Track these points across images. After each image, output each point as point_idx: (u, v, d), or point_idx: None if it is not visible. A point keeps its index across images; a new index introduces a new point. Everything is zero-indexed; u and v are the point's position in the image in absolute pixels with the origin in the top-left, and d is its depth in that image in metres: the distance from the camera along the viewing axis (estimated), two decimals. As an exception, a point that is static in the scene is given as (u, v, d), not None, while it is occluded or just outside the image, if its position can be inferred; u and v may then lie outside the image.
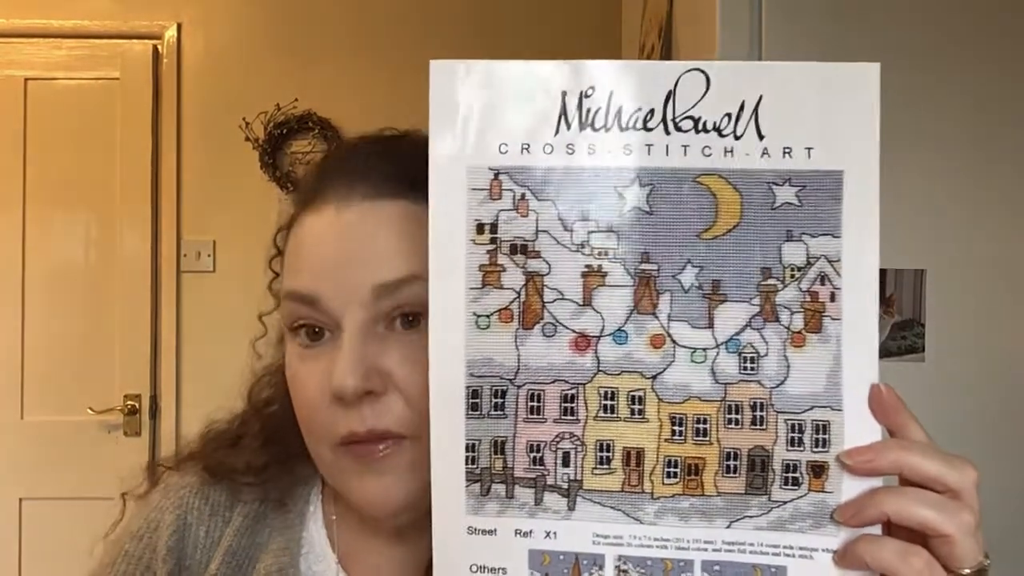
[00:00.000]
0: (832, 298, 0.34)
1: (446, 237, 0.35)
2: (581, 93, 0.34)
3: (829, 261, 0.34)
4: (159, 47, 2.02)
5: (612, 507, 0.35)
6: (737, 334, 0.34)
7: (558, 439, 0.35)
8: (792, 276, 0.34)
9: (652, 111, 0.34)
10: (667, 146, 0.34)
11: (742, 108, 0.34)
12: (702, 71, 0.34)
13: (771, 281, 0.34)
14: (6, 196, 1.98)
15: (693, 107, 0.34)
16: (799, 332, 0.34)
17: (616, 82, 0.34)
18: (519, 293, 0.35)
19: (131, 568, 0.48)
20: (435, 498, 0.36)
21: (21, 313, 1.99)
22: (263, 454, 0.50)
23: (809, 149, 0.34)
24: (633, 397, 0.35)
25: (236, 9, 2.03)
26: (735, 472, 0.34)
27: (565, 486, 0.35)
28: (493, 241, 0.35)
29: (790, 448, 0.34)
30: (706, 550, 0.35)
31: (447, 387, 0.35)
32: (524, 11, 2.03)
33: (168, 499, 0.49)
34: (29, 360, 1.98)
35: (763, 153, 0.34)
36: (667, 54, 1.24)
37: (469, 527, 0.35)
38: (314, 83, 2.00)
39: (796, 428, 0.34)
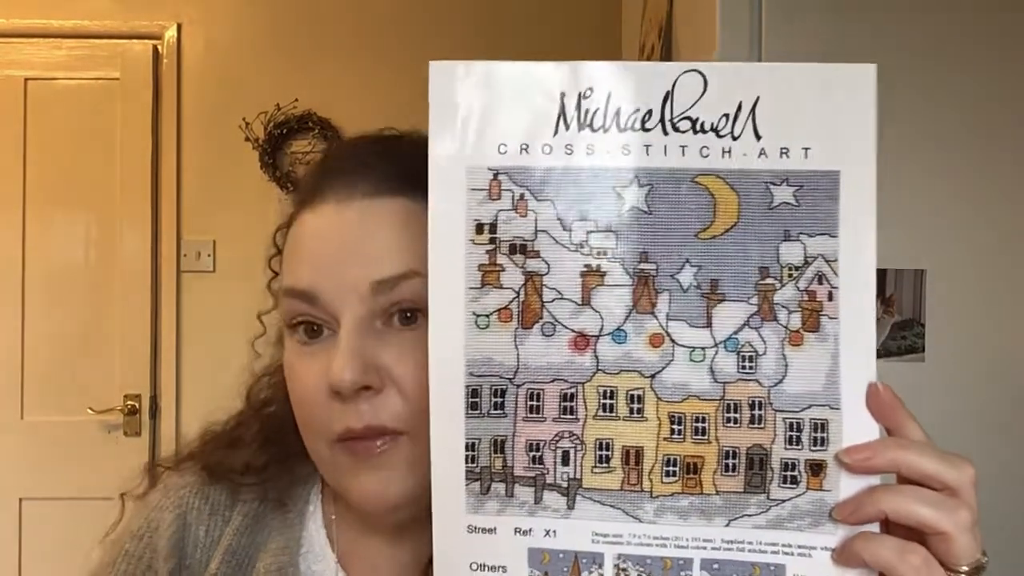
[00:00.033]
0: (830, 297, 0.34)
1: (445, 237, 0.35)
2: (579, 94, 0.34)
3: (827, 260, 0.34)
4: (159, 47, 2.02)
5: (611, 506, 0.35)
6: (735, 333, 0.34)
7: (557, 438, 0.35)
8: (790, 275, 0.34)
9: (650, 112, 0.34)
10: (665, 146, 0.34)
11: (739, 109, 0.34)
12: (700, 72, 0.34)
13: (769, 280, 0.34)
14: (6, 196, 1.98)
15: (691, 108, 0.34)
16: (797, 331, 0.34)
17: (614, 83, 0.34)
18: (518, 293, 0.35)
19: (132, 567, 0.48)
20: (435, 497, 0.36)
21: (21, 313, 1.99)
22: (262, 454, 0.50)
23: (806, 149, 0.34)
24: (632, 396, 0.35)
25: (236, 9, 2.04)
26: (734, 471, 0.34)
27: (564, 485, 0.35)
28: (492, 241, 0.35)
29: (788, 447, 0.34)
30: (705, 548, 0.35)
31: (447, 386, 0.35)
32: (524, 11, 2.03)
33: (168, 499, 0.50)
34: (29, 360, 1.98)
35: (760, 153, 0.34)
36: (667, 54, 1.24)
37: (469, 526, 0.36)
38: (314, 83, 2.00)
39: (794, 427, 0.34)
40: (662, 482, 0.35)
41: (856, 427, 0.34)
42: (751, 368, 0.34)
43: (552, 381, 0.35)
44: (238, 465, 0.50)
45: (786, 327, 0.34)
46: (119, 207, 2.00)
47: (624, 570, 0.35)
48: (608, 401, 0.35)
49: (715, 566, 0.35)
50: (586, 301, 0.35)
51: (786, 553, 0.34)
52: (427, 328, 0.39)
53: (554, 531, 0.35)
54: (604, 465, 0.35)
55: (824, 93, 0.34)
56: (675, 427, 0.35)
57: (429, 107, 0.35)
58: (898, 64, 0.94)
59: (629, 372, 0.35)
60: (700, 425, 0.35)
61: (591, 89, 0.34)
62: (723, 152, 0.34)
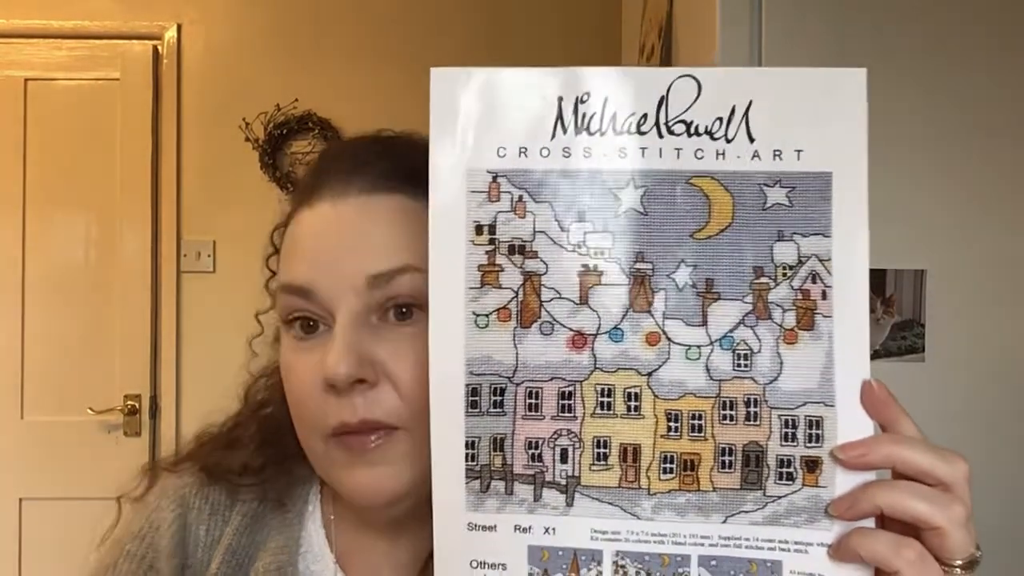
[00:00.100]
0: (824, 296, 0.35)
1: (446, 238, 0.36)
2: (576, 99, 0.35)
3: (820, 260, 0.35)
4: (159, 47, 2.03)
5: (609, 503, 0.35)
6: (731, 331, 0.35)
7: (556, 436, 0.36)
8: (784, 275, 0.35)
9: (645, 116, 0.35)
10: (660, 149, 0.35)
11: (733, 112, 0.35)
12: (694, 77, 0.35)
13: (763, 279, 0.35)
14: (6, 196, 1.98)
15: (685, 111, 0.35)
16: (791, 329, 0.35)
17: (610, 88, 0.35)
18: (517, 292, 0.36)
19: (133, 567, 0.48)
20: (435, 494, 0.36)
21: (21, 313, 1.99)
22: (259, 455, 0.50)
23: (799, 151, 0.35)
24: (629, 394, 0.35)
25: (236, 9, 2.04)
26: (730, 467, 0.35)
27: (563, 482, 0.36)
28: (492, 242, 0.36)
29: (784, 443, 0.35)
30: (702, 545, 0.35)
31: (447, 385, 0.36)
32: (524, 11, 2.03)
33: (167, 499, 0.50)
34: (29, 360, 1.98)
35: (754, 155, 0.35)
36: (667, 54, 1.24)
37: (469, 523, 0.36)
38: (314, 83, 2.00)
39: (789, 424, 0.35)
40: (659, 479, 0.35)
41: (851, 424, 0.34)
42: (746, 366, 0.35)
43: (550, 379, 0.35)
44: (236, 466, 0.50)
45: (781, 325, 0.35)
46: (119, 207, 2.00)
47: (623, 567, 0.35)
48: (606, 399, 0.35)
49: (712, 562, 0.35)
50: (584, 300, 0.35)
51: (783, 549, 0.35)
52: (423, 324, 0.40)
53: (553, 528, 0.36)
54: (602, 463, 0.35)
55: (816, 97, 0.35)
56: (672, 424, 0.35)
57: (430, 112, 0.36)
58: (898, 64, 0.94)
59: (626, 370, 0.35)
60: (696, 422, 0.35)
61: (588, 94, 0.35)
62: (717, 154, 0.35)
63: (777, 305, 0.35)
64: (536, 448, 0.36)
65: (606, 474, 0.35)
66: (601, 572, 0.35)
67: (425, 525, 0.37)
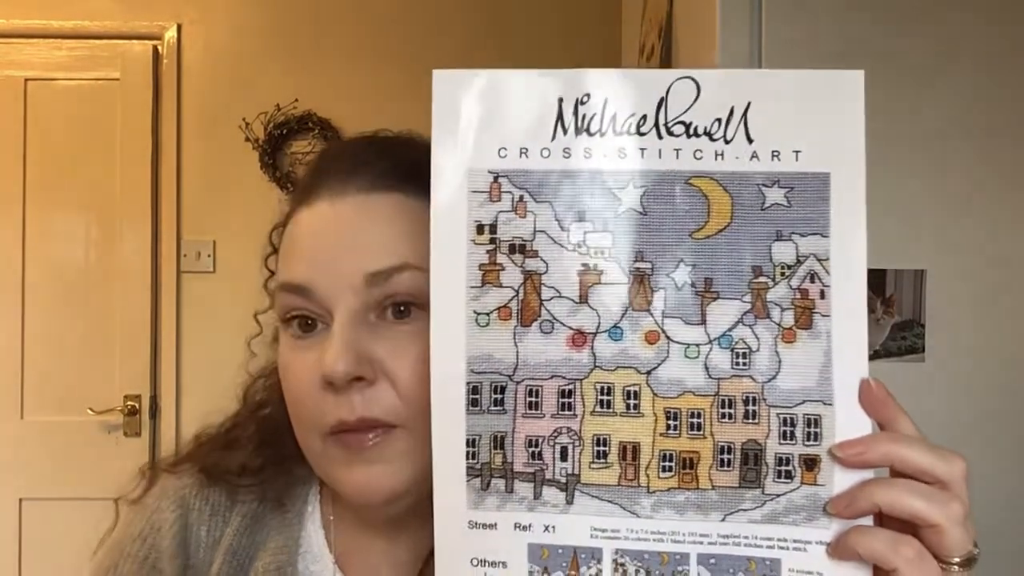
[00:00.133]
0: (822, 295, 0.35)
1: (447, 237, 0.36)
2: (577, 100, 0.35)
3: (818, 259, 0.35)
4: (159, 47, 2.03)
5: (609, 501, 0.36)
6: (729, 330, 0.35)
7: (556, 434, 0.36)
8: (782, 274, 0.35)
9: (645, 117, 0.35)
10: (660, 150, 0.35)
11: (731, 113, 0.35)
12: (693, 79, 0.35)
13: (762, 279, 0.35)
14: (6, 196, 1.99)
15: (684, 113, 0.35)
16: (790, 328, 0.35)
17: (610, 89, 0.35)
18: (518, 291, 0.36)
19: (135, 568, 0.48)
20: (436, 492, 0.36)
21: (21, 313, 1.99)
22: (258, 455, 0.50)
23: (797, 152, 0.35)
24: (629, 392, 0.35)
25: (236, 9, 2.04)
26: (729, 466, 0.35)
27: (563, 480, 0.36)
28: (492, 241, 0.36)
29: (782, 442, 0.35)
30: (702, 543, 0.35)
31: (448, 383, 0.36)
32: (524, 11, 2.04)
33: (168, 500, 0.50)
34: (29, 360, 1.98)
35: (752, 156, 0.35)
36: (667, 54, 1.25)
37: (470, 521, 0.36)
38: (314, 83, 2.01)
39: (788, 422, 0.35)
40: (659, 477, 0.35)
41: (849, 422, 0.35)
42: (745, 364, 0.35)
43: (551, 378, 0.36)
44: (235, 467, 0.50)
45: (779, 324, 0.35)
46: (119, 207, 2.00)
47: (622, 565, 0.35)
48: (605, 397, 0.35)
49: (712, 560, 0.35)
50: (584, 299, 0.36)
51: (781, 547, 0.35)
52: (421, 322, 0.40)
53: (553, 527, 0.36)
54: (602, 461, 0.36)
55: (814, 98, 0.35)
56: (671, 423, 0.35)
57: (432, 113, 0.36)
58: (898, 64, 0.94)
59: (626, 368, 0.35)
60: (695, 421, 0.35)
61: (588, 95, 0.35)
62: (716, 155, 0.35)
63: (776, 304, 0.35)
64: (536, 446, 0.36)
65: (606, 472, 0.36)
66: (601, 570, 0.36)
67: (424, 524, 0.37)
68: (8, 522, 1.96)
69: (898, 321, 0.95)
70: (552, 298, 0.36)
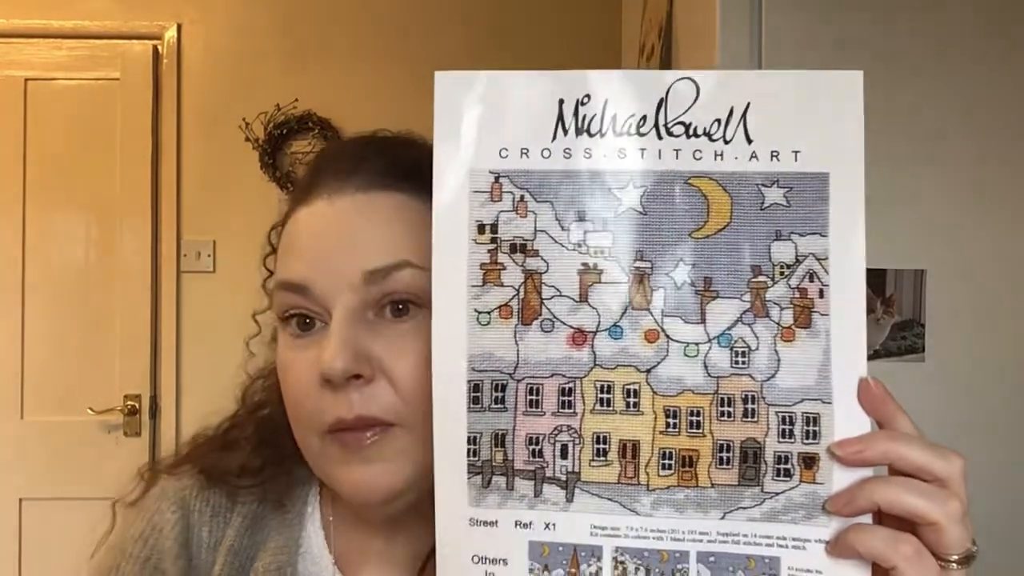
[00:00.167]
0: (821, 294, 0.35)
1: (449, 237, 0.36)
2: (577, 101, 0.36)
3: (817, 259, 0.35)
4: (159, 47, 2.03)
5: (609, 499, 0.36)
6: (728, 329, 0.35)
7: (556, 432, 0.36)
8: (782, 273, 0.35)
9: (645, 117, 0.36)
10: (660, 150, 0.36)
11: (731, 114, 0.35)
12: (692, 80, 0.35)
13: (761, 278, 0.35)
14: (6, 196, 1.99)
15: (684, 113, 0.35)
16: (789, 327, 0.35)
17: (610, 90, 0.36)
18: (518, 290, 0.36)
19: (137, 569, 0.48)
20: (438, 490, 0.36)
21: (21, 313, 1.99)
22: (258, 456, 0.50)
23: (796, 152, 0.35)
24: (628, 390, 0.36)
25: (236, 9, 2.04)
26: (728, 464, 0.35)
27: (563, 478, 0.36)
28: (494, 241, 0.36)
29: (781, 440, 0.35)
30: (701, 541, 0.35)
31: (450, 381, 0.36)
32: (524, 11, 2.04)
33: (168, 502, 0.50)
34: (29, 360, 1.98)
35: (752, 156, 0.35)
36: (667, 54, 1.25)
37: (471, 519, 0.36)
38: (314, 83, 2.01)
39: (787, 420, 0.35)
40: (658, 475, 0.36)
41: (847, 421, 0.35)
42: (744, 363, 0.35)
43: (551, 376, 0.36)
44: (235, 467, 0.50)
45: (778, 323, 0.35)
46: (119, 207, 2.00)
47: (622, 563, 0.36)
48: (605, 395, 0.36)
49: (711, 559, 0.35)
50: (584, 298, 0.36)
51: (781, 545, 0.35)
52: (419, 320, 0.40)
53: (553, 524, 0.36)
54: (602, 458, 0.36)
55: (813, 99, 0.35)
56: (670, 421, 0.35)
57: (434, 114, 0.36)
58: (898, 64, 0.94)
59: (625, 367, 0.36)
60: (695, 419, 0.35)
61: (588, 96, 0.36)
62: (715, 155, 0.35)
63: (775, 303, 0.35)
64: (537, 444, 0.36)
65: (606, 470, 0.36)
66: (601, 568, 0.36)
67: (423, 523, 0.37)
68: (8, 522, 1.96)
69: (898, 321, 0.95)
70: (553, 297, 0.36)
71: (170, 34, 2.02)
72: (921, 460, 0.33)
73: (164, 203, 2.02)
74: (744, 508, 0.35)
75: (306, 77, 2.01)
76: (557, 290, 0.36)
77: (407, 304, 0.42)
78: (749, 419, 0.35)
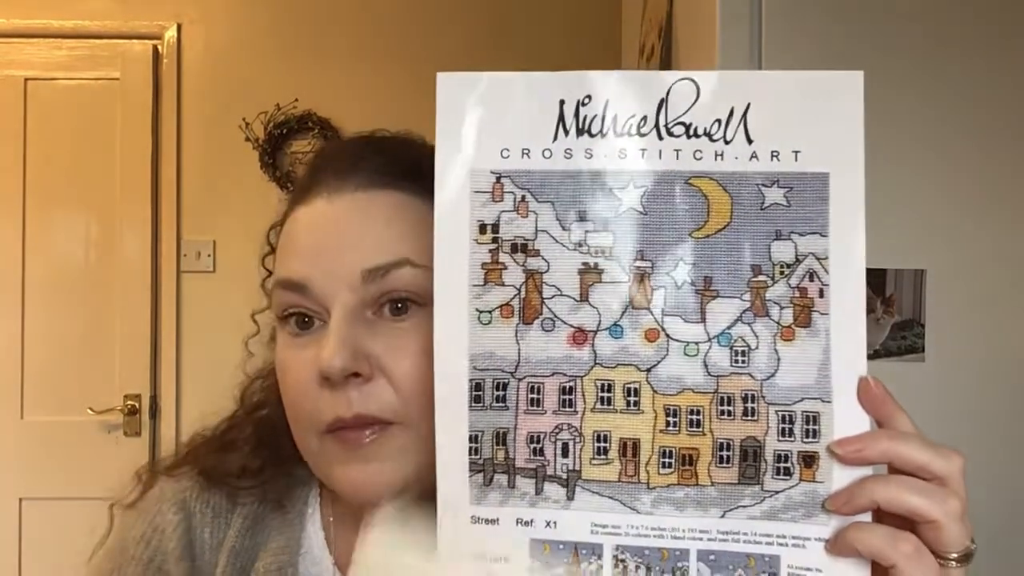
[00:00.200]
0: (821, 294, 0.35)
1: (450, 237, 0.36)
2: (578, 101, 0.36)
3: (817, 259, 0.35)
4: (159, 47, 2.03)
5: (609, 497, 0.36)
6: (728, 328, 0.35)
7: (557, 430, 0.36)
8: (782, 273, 0.35)
9: (645, 118, 0.36)
10: (660, 151, 0.36)
11: (731, 114, 0.35)
12: (692, 80, 0.36)
13: (761, 278, 0.35)
14: (6, 196, 1.99)
15: (684, 114, 0.36)
16: (789, 326, 0.35)
17: (611, 91, 0.36)
18: (519, 290, 0.36)
19: (140, 570, 0.48)
20: (439, 488, 0.37)
21: (21, 313, 1.99)
22: (257, 457, 0.50)
23: (796, 152, 0.35)
24: (629, 389, 0.36)
25: (236, 9, 2.04)
26: (728, 462, 0.35)
27: (564, 476, 0.36)
28: (495, 240, 0.36)
29: (781, 439, 0.35)
30: (701, 539, 0.36)
31: (451, 380, 0.36)
32: (524, 11, 2.04)
33: (168, 504, 0.49)
34: (29, 360, 1.98)
35: (752, 156, 0.35)
36: (667, 54, 1.25)
37: (472, 516, 0.36)
38: (314, 83, 2.01)
39: (787, 419, 0.35)
40: (659, 474, 0.36)
41: (847, 419, 0.35)
42: (744, 362, 0.35)
43: (552, 375, 0.36)
44: (234, 469, 0.50)
45: (778, 323, 0.35)
46: (119, 207, 2.00)
47: (622, 561, 0.36)
48: (606, 394, 0.36)
49: (711, 557, 0.35)
50: (584, 298, 0.36)
51: (780, 544, 0.35)
52: (418, 319, 0.41)
53: (554, 522, 0.36)
54: (602, 457, 0.36)
55: (813, 99, 0.35)
56: (670, 419, 0.36)
57: (436, 115, 0.36)
58: (897, 64, 0.94)
59: (626, 366, 0.36)
60: (695, 417, 0.36)
61: (589, 97, 0.36)
62: (716, 155, 0.36)
63: (775, 303, 0.35)
64: (538, 442, 0.36)
65: (606, 468, 0.36)
66: (601, 566, 0.36)
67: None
68: (8, 522, 1.96)
69: (898, 321, 0.95)
70: (553, 296, 0.36)
71: (170, 34, 2.03)
72: (921, 459, 0.33)
73: (164, 203, 2.02)
74: (744, 506, 0.35)
75: (306, 77, 2.01)
76: (558, 289, 0.36)
77: (406, 303, 0.42)
78: (749, 418, 0.35)
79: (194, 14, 2.03)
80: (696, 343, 0.35)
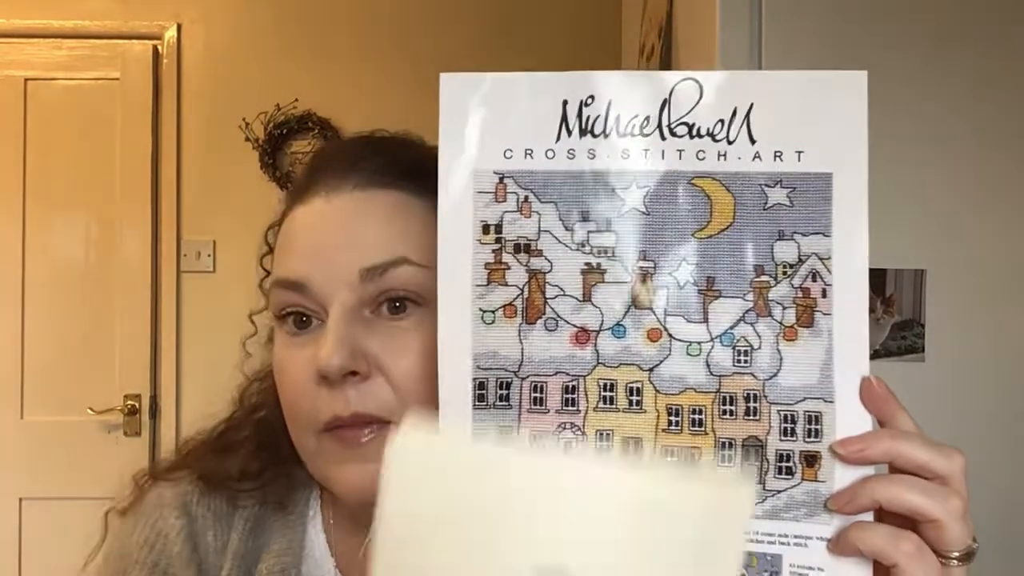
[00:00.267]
0: (823, 294, 0.35)
1: (453, 237, 0.36)
2: (581, 102, 0.36)
3: (820, 259, 0.35)
4: (159, 47, 2.03)
5: (612, 496, 0.36)
6: (731, 328, 0.35)
7: (560, 429, 0.36)
8: (784, 273, 0.35)
9: (648, 118, 0.36)
10: (663, 151, 0.36)
11: (734, 114, 0.35)
12: (695, 80, 0.36)
13: (764, 278, 0.35)
14: (6, 196, 1.99)
15: (687, 114, 0.36)
16: (791, 326, 0.35)
17: (614, 91, 0.36)
18: (522, 290, 0.36)
19: (145, 574, 0.47)
20: (442, 488, 0.37)
21: (21, 313, 1.99)
22: (256, 459, 0.50)
23: (799, 152, 0.35)
24: (631, 388, 0.36)
25: (236, 9, 2.04)
26: (730, 462, 0.35)
27: (566, 476, 0.36)
28: (498, 241, 0.36)
29: (783, 438, 0.35)
30: None
31: (455, 379, 0.36)
32: (524, 11, 2.04)
33: (169, 508, 0.49)
34: (29, 360, 1.98)
35: (755, 156, 0.35)
36: (667, 54, 1.25)
37: None
38: (314, 83, 2.01)
39: (789, 419, 0.35)
40: (661, 473, 0.36)
41: (849, 419, 0.35)
42: (746, 362, 0.35)
43: (555, 374, 0.36)
44: (234, 472, 0.50)
45: (780, 323, 0.35)
46: (119, 207, 2.00)
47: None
48: (608, 393, 0.36)
49: (713, 556, 0.35)
50: (587, 298, 0.36)
51: (783, 543, 0.35)
52: (416, 318, 0.41)
53: (556, 522, 0.36)
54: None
55: (817, 99, 0.35)
56: (672, 419, 0.36)
57: (439, 116, 0.36)
58: (897, 64, 0.95)
59: (628, 365, 0.36)
60: (697, 417, 0.36)
61: (592, 97, 0.36)
62: (719, 155, 0.36)
63: (777, 303, 0.35)
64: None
65: None
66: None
67: None
68: (8, 522, 1.96)
69: (898, 321, 0.95)
70: (556, 296, 0.36)
71: (170, 34, 2.03)
72: (922, 458, 0.33)
73: (164, 203, 2.02)
74: (746, 506, 0.35)
75: (306, 77, 2.01)
76: (561, 289, 0.36)
77: (404, 302, 0.42)
78: (751, 417, 0.35)
79: (194, 14, 2.03)
80: (698, 343, 0.36)
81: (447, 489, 0.27)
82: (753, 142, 0.35)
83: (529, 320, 0.36)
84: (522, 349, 0.36)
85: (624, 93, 0.36)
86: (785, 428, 0.35)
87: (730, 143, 0.36)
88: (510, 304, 0.36)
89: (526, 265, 0.36)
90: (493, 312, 0.36)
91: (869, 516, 0.35)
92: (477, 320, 0.36)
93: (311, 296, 0.42)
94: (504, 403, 0.36)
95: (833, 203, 0.35)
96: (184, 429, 1.99)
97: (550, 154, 0.36)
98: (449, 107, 0.36)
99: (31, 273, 2.00)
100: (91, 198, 2.01)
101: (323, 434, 0.42)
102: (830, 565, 0.35)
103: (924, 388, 0.94)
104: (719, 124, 0.36)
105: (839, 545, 0.34)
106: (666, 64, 1.25)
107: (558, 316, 0.36)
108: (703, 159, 0.36)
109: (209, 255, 2.02)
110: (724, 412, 0.35)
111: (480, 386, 0.36)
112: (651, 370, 0.36)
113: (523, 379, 0.36)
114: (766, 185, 0.35)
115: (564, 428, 0.36)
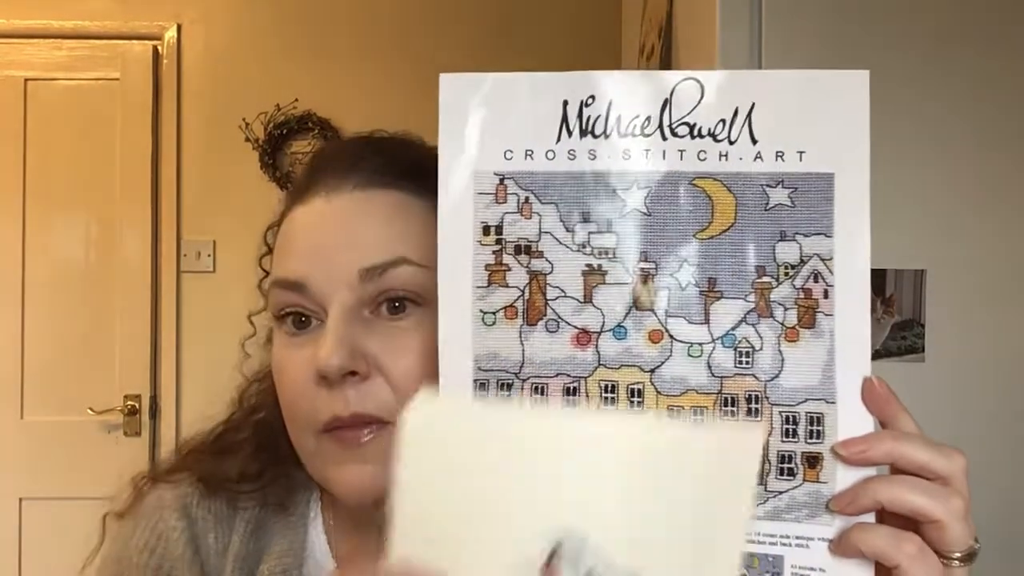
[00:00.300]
0: (825, 295, 0.35)
1: (454, 238, 0.36)
2: (581, 102, 0.36)
3: (822, 259, 0.35)
4: (159, 47, 2.03)
5: (613, 497, 0.36)
6: (732, 329, 0.35)
7: None
8: (786, 274, 0.35)
9: (649, 118, 0.36)
10: (664, 151, 0.36)
11: (736, 114, 0.35)
12: (697, 80, 0.35)
13: (766, 279, 0.35)
14: (6, 196, 1.99)
15: (689, 114, 0.35)
16: (793, 327, 0.35)
17: (615, 91, 0.36)
18: (523, 291, 0.36)
19: None
20: (443, 488, 0.37)
21: (21, 313, 1.99)
22: (256, 461, 0.50)
23: (801, 153, 0.35)
24: (632, 390, 0.36)
25: (236, 9, 2.04)
26: None
27: (568, 477, 0.36)
28: (499, 242, 0.36)
29: (785, 439, 0.35)
30: None
31: (456, 380, 0.36)
32: (524, 11, 2.04)
33: (169, 510, 0.49)
34: (29, 360, 1.98)
35: (756, 157, 0.35)
36: (667, 54, 1.25)
37: None
38: (314, 83, 2.01)
39: (790, 420, 0.35)
40: (662, 474, 0.36)
41: (851, 420, 0.35)
42: (748, 363, 0.35)
43: (556, 376, 0.36)
44: (234, 474, 0.49)
45: (782, 323, 0.35)
46: (119, 207, 2.00)
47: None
48: (609, 395, 0.36)
49: (714, 557, 0.35)
50: (588, 299, 0.36)
51: (784, 544, 0.35)
52: (415, 318, 0.41)
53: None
54: None
55: (818, 99, 0.35)
56: None
57: (439, 116, 0.36)
58: (897, 64, 0.94)
59: (629, 367, 0.36)
60: (698, 418, 0.35)
61: (592, 97, 0.36)
62: (720, 156, 0.35)
63: (779, 304, 0.35)
64: None
65: None
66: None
67: None
68: (8, 522, 1.96)
69: (898, 321, 0.95)
70: (557, 298, 0.36)
71: (170, 34, 2.02)
72: (924, 459, 0.33)
73: (164, 203, 2.02)
74: (747, 507, 0.35)
75: (306, 77, 2.01)
76: (562, 291, 0.36)
77: (404, 302, 0.42)
78: (753, 419, 0.35)
79: (194, 14, 2.03)
80: (700, 344, 0.35)
81: (463, 453, 0.28)
82: (755, 142, 0.35)
83: (530, 321, 0.36)
84: (523, 351, 0.36)
85: (625, 93, 0.36)
86: (787, 429, 0.35)
87: (731, 143, 0.35)
88: (511, 305, 0.36)
89: (527, 266, 0.36)
90: (494, 313, 0.36)
91: (871, 517, 0.34)
92: (478, 321, 0.36)
93: (310, 296, 0.42)
94: None
95: (835, 203, 0.35)
96: (184, 429, 1.99)
97: (550, 155, 0.36)
98: (449, 107, 0.36)
99: (31, 273, 2.00)
100: (91, 198, 2.01)
101: (322, 435, 0.42)
102: (832, 566, 0.35)
103: (924, 388, 0.94)
104: (720, 124, 0.35)
105: (841, 546, 0.34)
106: (666, 64, 1.25)
107: (559, 317, 0.36)
108: (704, 159, 0.35)
109: (209, 255, 2.02)
110: (726, 413, 0.35)
111: (481, 387, 0.36)
112: (652, 371, 0.36)
113: (524, 381, 0.36)
114: (768, 185, 0.35)
115: None
